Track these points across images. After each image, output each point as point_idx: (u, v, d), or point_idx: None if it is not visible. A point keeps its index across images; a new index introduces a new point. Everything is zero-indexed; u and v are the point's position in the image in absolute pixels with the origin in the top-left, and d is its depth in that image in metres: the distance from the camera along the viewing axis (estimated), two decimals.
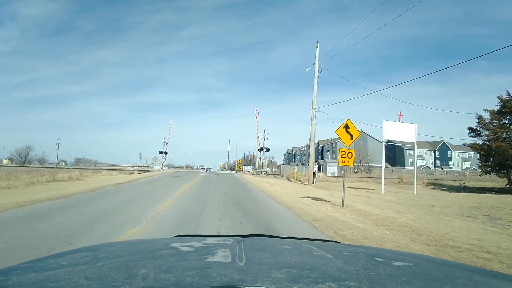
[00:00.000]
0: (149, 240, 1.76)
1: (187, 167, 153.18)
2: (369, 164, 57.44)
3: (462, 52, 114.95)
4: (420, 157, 74.91)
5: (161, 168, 45.55)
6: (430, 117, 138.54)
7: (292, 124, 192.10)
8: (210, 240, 1.46)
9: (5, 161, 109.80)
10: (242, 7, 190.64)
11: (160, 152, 49.68)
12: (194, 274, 0.85)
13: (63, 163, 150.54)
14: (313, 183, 22.60)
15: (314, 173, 23.06)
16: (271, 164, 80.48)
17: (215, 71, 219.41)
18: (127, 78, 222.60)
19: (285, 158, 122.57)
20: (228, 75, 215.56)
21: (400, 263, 1.12)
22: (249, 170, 56.21)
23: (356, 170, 45.54)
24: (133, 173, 27.13)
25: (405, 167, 66.57)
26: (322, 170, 41.07)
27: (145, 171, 33.69)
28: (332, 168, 35.33)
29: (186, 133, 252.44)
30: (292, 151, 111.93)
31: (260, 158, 41.77)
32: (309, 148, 25.10)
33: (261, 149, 42.80)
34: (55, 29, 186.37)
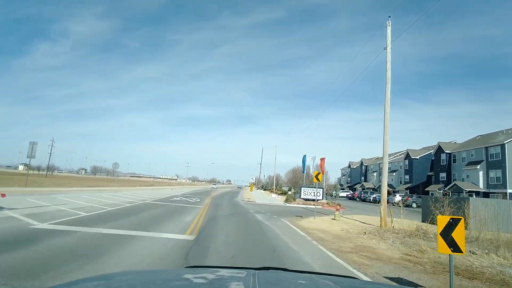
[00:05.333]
0: (162, 271, 1.77)
1: (212, 181, 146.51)
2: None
3: None
4: None
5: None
6: None
7: (334, 142, 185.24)
8: (223, 272, 1.44)
9: (20, 167, 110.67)
10: (277, 25, 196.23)
11: None
12: None
13: (83, 172, 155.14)
14: None
15: None
16: (326, 181, 46.62)
17: (249, 87, 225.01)
18: (164, 93, 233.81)
19: (343, 176, 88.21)
20: (261, 91, 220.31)
21: None
22: (315, 198, 22.70)
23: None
24: None
25: None
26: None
27: None
28: None
29: (216, 147, 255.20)
30: (361, 165, 73.07)
31: None
32: None
33: None
34: (102, 46, 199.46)
